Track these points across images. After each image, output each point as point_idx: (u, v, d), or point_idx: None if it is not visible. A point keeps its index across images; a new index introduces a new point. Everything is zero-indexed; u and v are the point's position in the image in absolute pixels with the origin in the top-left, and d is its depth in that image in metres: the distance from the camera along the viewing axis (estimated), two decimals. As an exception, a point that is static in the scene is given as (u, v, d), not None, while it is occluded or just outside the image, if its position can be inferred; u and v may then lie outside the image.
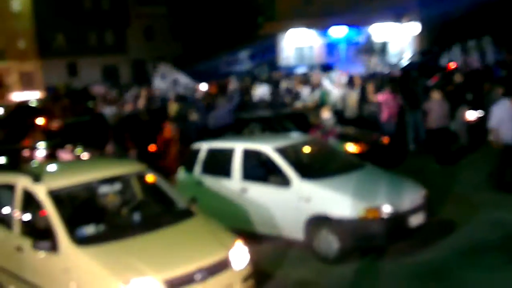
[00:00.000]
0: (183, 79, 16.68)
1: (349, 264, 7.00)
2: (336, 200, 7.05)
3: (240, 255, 5.82)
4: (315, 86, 14.54)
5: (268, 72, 22.11)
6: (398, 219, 6.94)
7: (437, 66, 18.74)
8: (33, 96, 32.92)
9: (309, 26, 36.40)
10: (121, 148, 12.07)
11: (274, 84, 16.70)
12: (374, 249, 7.19)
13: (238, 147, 8.17)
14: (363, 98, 12.94)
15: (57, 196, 5.95)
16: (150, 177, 6.80)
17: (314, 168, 8.05)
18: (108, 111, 14.75)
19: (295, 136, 9.21)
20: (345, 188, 7.18)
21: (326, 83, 14.08)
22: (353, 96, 13.09)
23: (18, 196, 6.19)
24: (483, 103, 11.99)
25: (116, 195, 6.65)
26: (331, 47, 37.27)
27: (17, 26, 42.03)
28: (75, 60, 42.88)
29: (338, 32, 35.75)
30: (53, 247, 5.51)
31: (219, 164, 8.50)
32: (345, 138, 10.55)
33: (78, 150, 11.43)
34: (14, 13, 42.77)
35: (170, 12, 48.32)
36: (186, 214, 6.29)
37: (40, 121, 16.22)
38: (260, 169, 7.96)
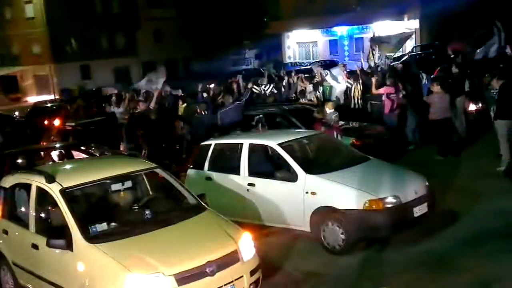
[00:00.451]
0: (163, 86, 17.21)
1: (355, 255, 7.14)
2: (341, 193, 7.21)
3: (248, 247, 5.97)
4: (318, 82, 14.71)
5: (274, 70, 22.30)
6: (402, 209, 7.08)
7: (439, 60, 18.76)
8: (48, 99, 33.52)
9: (313, 24, 36.60)
10: (133, 147, 12.37)
11: (278, 81, 16.90)
12: (379, 239, 7.33)
13: (245, 143, 8.37)
14: (366, 91, 13.04)
15: (70, 195, 6.14)
16: (160, 175, 7.00)
17: (319, 162, 8.22)
18: (119, 111, 15.04)
19: (300, 132, 9.37)
20: (350, 181, 7.32)
21: (329, 78, 14.23)
22: (357, 89, 13.20)
23: (33, 195, 6.39)
24: (483, 95, 12.03)
25: (127, 192, 6.89)
26: (334, 44, 37.43)
27: (32, 32, 42.76)
28: (87, 63, 43.49)
29: (341, 29, 35.97)
30: (67, 245, 5.66)
31: (227, 160, 8.71)
32: (348, 132, 10.70)
33: (92, 149, 11.70)
34: (28, 20, 43.53)
35: (178, 14, 48.75)
36: (195, 210, 6.44)
37: (55, 122, 16.58)
38: (266, 164, 8.15)
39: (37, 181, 6.39)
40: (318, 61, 28.39)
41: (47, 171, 6.42)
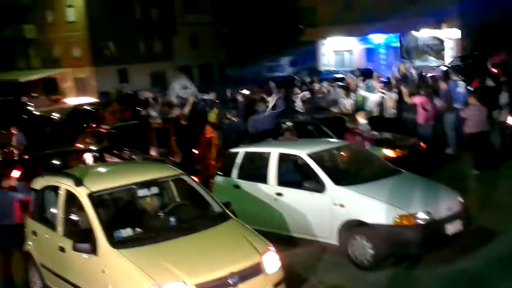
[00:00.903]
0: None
1: (384, 271, 6.95)
2: (371, 206, 7.02)
3: (272, 260, 5.86)
4: (352, 91, 14.51)
5: (307, 78, 22.22)
6: (434, 226, 6.85)
7: (478, 71, 18.27)
8: (86, 101, 34.26)
9: (349, 32, 36.29)
10: (165, 152, 12.44)
11: (310, 89, 16.78)
12: (409, 256, 7.10)
13: (273, 152, 8.28)
14: (399, 101, 12.80)
15: (97, 199, 6.18)
16: (186, 182, 6.97)
17: (349, 173, 8.06)
18: (154, 115, 15.17)
19: (330, 142, 9.22)
20: (380, 194, 7.13)
21: (363, 89, 14.04)
22: (392, 98, 13.00)
23: (62, 198, 6.45)
24: None
25: (153, 198, 6.87)
26: (371, 52, 36.98)
27: (72, 35, 43.87)
28: (125, 67, 44.31)
29: (378, 37, 35.53)
30: (92, 249, 5.68)
31: (255, 168, 8.63)
32: (382, 143, 10.47)
33: (124, 153, 11.83)
34: (69, 23, 44.68)
35: (215, 19, 49.21)
36: (220, 219, 6.39)
37: (91, 124, 16.88)
38: (295, 174, 8.03)
39: (65, 184, 6.45)
40: (355, 70, 28.08)
41: (75, 175, 6.47)
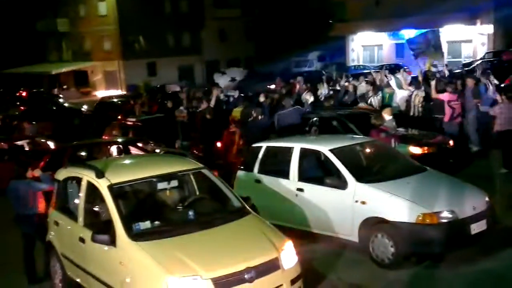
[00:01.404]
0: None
1: (405, 269, 6.82)
2: (393, 204, 6.89)
3: (290, 256, 5.80)
4: (379, 87, 14.27)
5: (335, 73, 21.97)
6: (458, 225, 6.68)
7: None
8: (115, 94, 34.80)
9: (379, 27, 35.74)
10: (189, 144, 12.51)
11: (337, 84, 16.59)
12: (431, 255, 6.95)
13: (296, 147, 8.20)
14: (426, 98, 12.53)
15: (117, 191, 6.20)
16: (207, 175, 6.95)
17: (371, 170, 7.90)
18: (181, 108, 15.20)
19: (353, 138, 9.08)
20: (403, 192, 6.99)
21: (393, 84, 13.79)
22: (419, 95, 12.73)
23: (83, 189, 6.50)
24: None
25: (173, 192, 6.88)
26: (401, 47, 36.29)
27: (103, 29, 44.58)
28: (154, 60, 44.78)
29: (409, 33, 34.80)
30: (111, 241, 5.71)
31: (276, 163, 8.58)
32: (408, 140, 10.26)
33: (148, 146, 11.93)
34: (101, 17, 45.41)
35: (244, 14, 49.17)
36: (239, 213, 6.35)
37: (118, 117, 17.09)
38: (316, 170, 7.95)
39: (87, 175, 6.49)
40: (383, 65, 27.61)
41: (97, 166, 6.51)
